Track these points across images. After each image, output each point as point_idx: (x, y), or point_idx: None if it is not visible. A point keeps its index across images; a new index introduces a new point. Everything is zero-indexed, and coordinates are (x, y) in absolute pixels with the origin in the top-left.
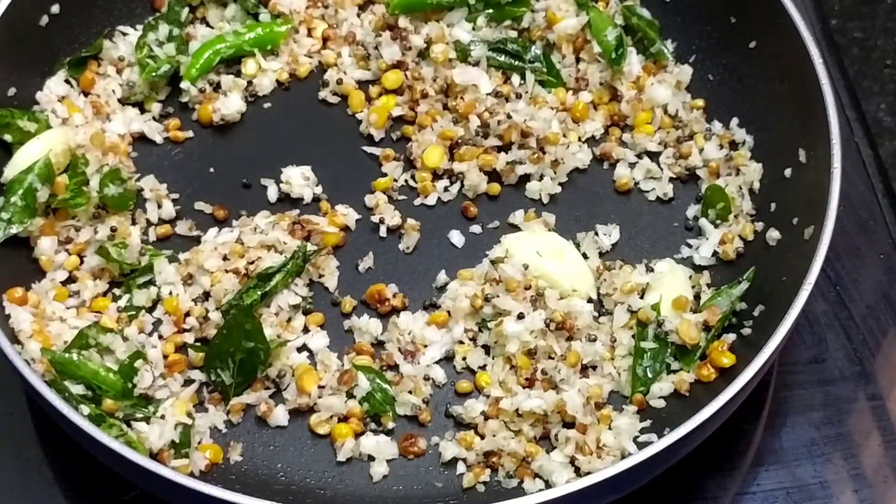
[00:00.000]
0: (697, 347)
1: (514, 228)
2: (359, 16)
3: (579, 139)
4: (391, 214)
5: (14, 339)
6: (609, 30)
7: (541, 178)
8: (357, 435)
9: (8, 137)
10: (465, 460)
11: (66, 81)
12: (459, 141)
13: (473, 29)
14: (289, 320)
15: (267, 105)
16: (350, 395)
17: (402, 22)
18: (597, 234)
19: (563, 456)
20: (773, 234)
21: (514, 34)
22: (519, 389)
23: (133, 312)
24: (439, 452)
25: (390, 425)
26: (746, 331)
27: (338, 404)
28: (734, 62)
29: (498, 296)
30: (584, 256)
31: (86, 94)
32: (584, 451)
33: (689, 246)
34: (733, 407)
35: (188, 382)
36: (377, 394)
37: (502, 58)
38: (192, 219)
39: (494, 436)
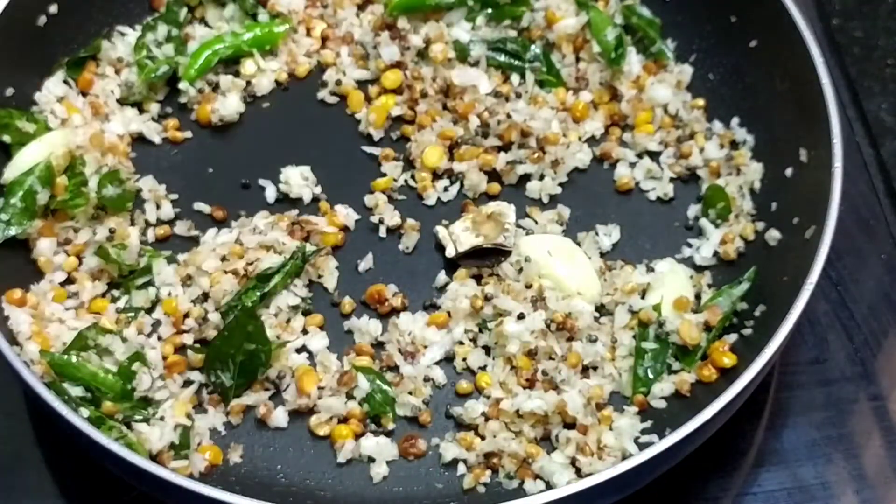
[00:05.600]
0: (698, 348)
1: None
2: (357, 15)
3: (579, 139)
4: (391, 214)
5: (13, 340)
6: (609, 29)
7: (541, 177)
8: (357, 436)
9: (7, 138)
10: (465, 461)
11: (65, 82)
12: (459, 141)
13: (472, 28)
14: (288, 321)
15: (266, 105)
16: (350, 397)
17: (401, 22)
18: (597, 234)
19: (563, 457)
20: (774, 234)
21: (513, 34)
22: (519, 390)
23: (132, 314)
24: (440, 453)
25: (390, 426)
26: (747, 331)
27: (338, 405)
28: (735, 61)
29: (498, 296)
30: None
31: (84, 94)
32: (584, 452)
33: (690, 246)
34: (734, 407)
35: (187, 383)
36: (377, 395)
37: (502, 57)
38: (190, 219)
39: (495, 437)
